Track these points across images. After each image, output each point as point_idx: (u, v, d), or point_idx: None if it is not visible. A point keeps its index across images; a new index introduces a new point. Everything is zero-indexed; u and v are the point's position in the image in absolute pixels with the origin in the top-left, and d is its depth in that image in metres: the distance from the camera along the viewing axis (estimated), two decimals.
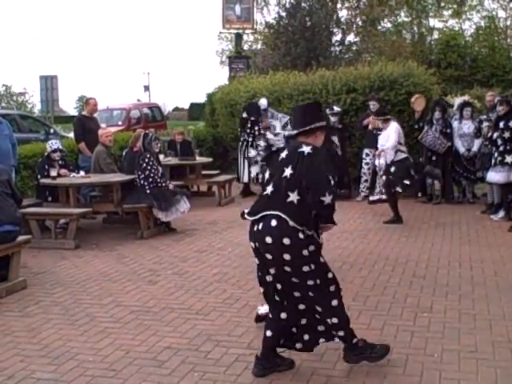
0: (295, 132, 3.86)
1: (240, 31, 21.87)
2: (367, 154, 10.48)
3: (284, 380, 3.78)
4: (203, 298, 5.41)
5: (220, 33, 29.59)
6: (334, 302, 3.77)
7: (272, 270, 3.76)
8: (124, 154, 9.45)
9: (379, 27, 27.84)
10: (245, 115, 11.16)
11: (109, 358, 4.19)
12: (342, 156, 10.64)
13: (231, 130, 13.49)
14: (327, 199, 3.56)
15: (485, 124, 9.47)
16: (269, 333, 3.85)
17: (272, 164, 3.93)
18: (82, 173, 8.71)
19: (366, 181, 10.61)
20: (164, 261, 6.80)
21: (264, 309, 4.42)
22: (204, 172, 11.40)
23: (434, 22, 34.38)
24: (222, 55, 34.23)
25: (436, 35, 32.61)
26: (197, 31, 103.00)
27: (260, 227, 3.71)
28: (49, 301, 5.47)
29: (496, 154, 8.54)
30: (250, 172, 11.04)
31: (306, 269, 3.65)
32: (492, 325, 4.61)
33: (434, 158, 9.83)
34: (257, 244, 3.75)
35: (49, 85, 22.07)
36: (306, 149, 3.67)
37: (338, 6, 25.27)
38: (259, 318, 4.59)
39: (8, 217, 5.68)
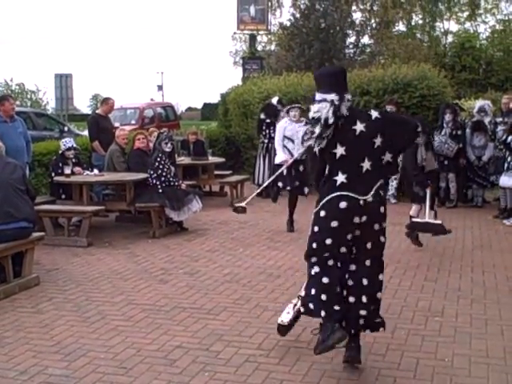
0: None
1: (254, 32, 21.91)
2: None
3: (295, 382, 3.79)
4: (214, 298, 5.43)
5: (234, 33, 29.74)
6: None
7: (369, 244, 3.80)
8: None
9: (393, 30, 27.82)
10: (262, 116, 11.15)
11: (120, 355, 4.22)
12: None
13: (244, 130, 13.51)
14: (420, 129, 4.03)
15: (500, 128, 9.42)
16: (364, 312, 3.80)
17: (343, 140, 3.72)
18: (95, 171, 8.76)
19: None
20: (176, 260, 6.83)
21: (286, 317, 4.27)
22: (216, 172, 11.42)
23: (448, 25, 34.29)
24: (236, 56, 34.37)
25: (450, 38, 32.48)
26: (211, 32, 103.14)
27: (371, 199, 3.70)
28: (61, 298, 5.51)
29: (509, 159, 8.50)
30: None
31: (384, 225, 3.91)
32: (504, 330, 4.59)
33: (446, 163, 9.79)
34: (364, 217, 3.71)
35: (63, 83, 22.21)
36: (377, 113, 3.80)
37: (353, 8, 25.30)
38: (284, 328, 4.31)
39: (23, 213, 5.73)
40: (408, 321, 4.82)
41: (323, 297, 3.70)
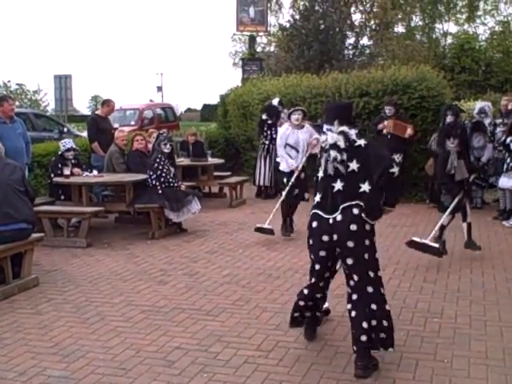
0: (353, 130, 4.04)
1: (254, 33, 21.90)
2: None
3: (294, 383, 3.78)
4: (213, 299, 5.43)
5: (234, 35, 29.78)
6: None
7: (350, 260, 3.92)
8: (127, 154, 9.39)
9: (393, 31, 27.84)
10: (264, 117, 11.11)
11: (119, 356, 4.22)
12: None
13: (243, 131, 13.51)
14: (395, 170, 3.95)
15: (499, 129, 9.41)
16: (365, 324, 3.91)
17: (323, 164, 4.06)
18: (94, 172, 8.76)
19: None
20: (175, 261, 6.82)
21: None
22: (216, 173, 11.42)
23: (447, 27, 34.34)
24: (236, 57, 34.42)
25: (450, 39, 32.54)
26: (210, 33, 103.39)
27: (339, 218, 3.90)
28: (60, 299, 5.51)
29: (508, 160, 8.50)
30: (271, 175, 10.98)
31: (367, 242, 3.94)
32: (503, 331, 4.59)
33: None
34: (334, 236, 3.91)
35: (63, 84, 22.21)
36: (362, 141, 3.98)
37: (352, 9, 25.31)
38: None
39: (22, 215, 5.73)
40: (407, 322, 4.81)
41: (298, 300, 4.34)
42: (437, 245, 6.68)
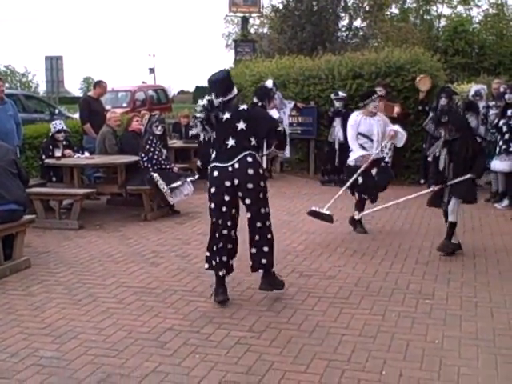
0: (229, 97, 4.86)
1: (246, 15, 21.74)
2: None
3: (286, 363, 3.81)
4: (205, 281, 5.41)
5: (226, 16, 29.57)
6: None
7: (248, 200, 4.73)
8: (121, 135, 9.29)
9: (386, 13, 27.71)
10: (255, 100, 11.03)
11: (111, 337, 4.22)
12: (344, 141, 10.55)
13: None
14: (281, 127, 5.03)
15: (492, 112, 9.40)
16: (266, 249, 4.93)
17: (212, 127, 4.84)
18: (86, 154, 8.71)
19: None
20: (167, 243, 6.82)
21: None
22: None
23: (442, 9, 34.19)
24: (228, 38, 34.25)
25: (443, 22, 32.43)
26: (203, 14, 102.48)
27: (237, 166, 4.68)
28: (52, 280, 5.50)
29: (501, 143, 8.50)
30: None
31: (262, 184, 4.78)
32: (493, 312, 4.62)
33: None
34: (236, 180, 4.67)
35: (54, 65, 21.97)
36: (244, 106, 4.92)
37: None
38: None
39: (13, 196, 5.70)
40: (399, 303, 4.84)
41: (214, 248, 4.88)
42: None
